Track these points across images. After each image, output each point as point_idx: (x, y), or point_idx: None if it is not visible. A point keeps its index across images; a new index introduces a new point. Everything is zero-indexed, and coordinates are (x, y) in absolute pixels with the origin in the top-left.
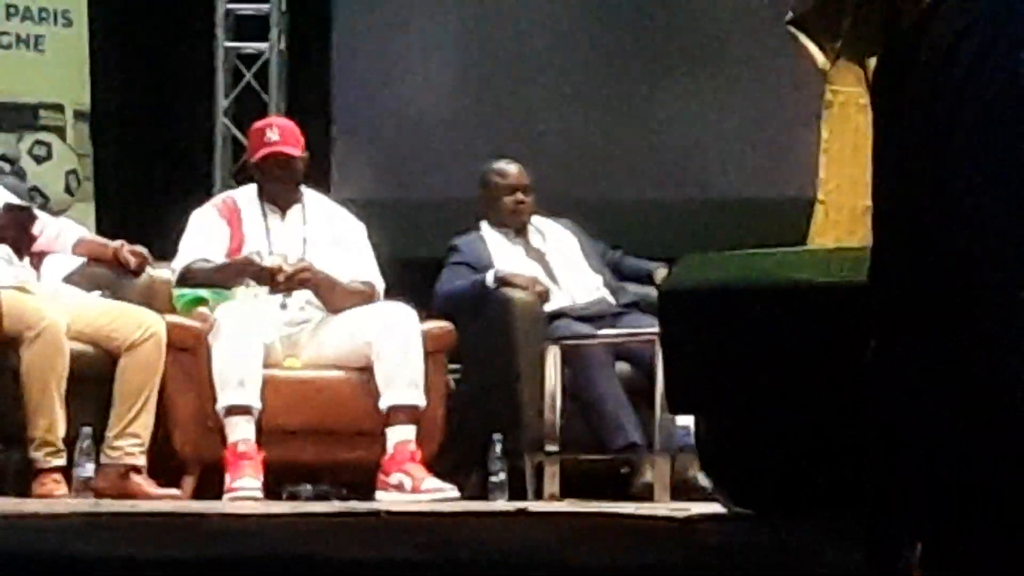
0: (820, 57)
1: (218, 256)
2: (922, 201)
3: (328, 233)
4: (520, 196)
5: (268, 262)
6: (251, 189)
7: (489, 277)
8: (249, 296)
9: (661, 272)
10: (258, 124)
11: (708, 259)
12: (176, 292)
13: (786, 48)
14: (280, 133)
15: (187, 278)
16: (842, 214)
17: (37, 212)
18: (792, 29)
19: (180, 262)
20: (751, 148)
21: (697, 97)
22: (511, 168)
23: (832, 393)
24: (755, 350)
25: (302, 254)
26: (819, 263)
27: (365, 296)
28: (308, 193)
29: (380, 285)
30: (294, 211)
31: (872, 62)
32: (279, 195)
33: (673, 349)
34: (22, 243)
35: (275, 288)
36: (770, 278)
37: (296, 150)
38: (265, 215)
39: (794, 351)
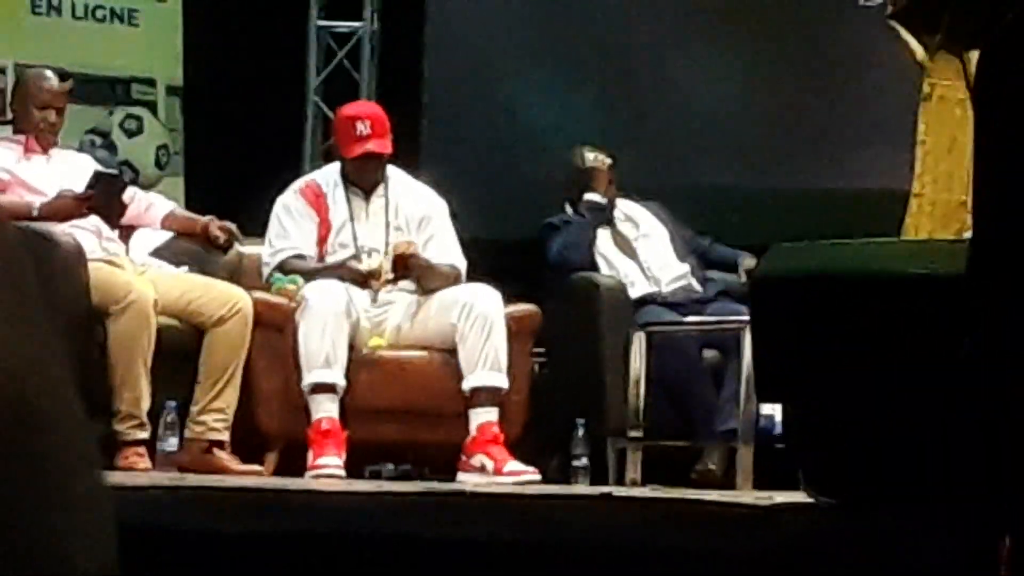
0: (919, 50)
1: (308, 246)
2: None
3: (412, 215)
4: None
5: (365, 266)
6: (332, 171)
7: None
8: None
9: (749, 261)
10: (346, 112)
11: (800, 247)
12: (272, 277)
13: (884, 39)
14: (371, 126)
15: (283, 272)
16: (936, 208)
17: (127, 183)
18: (892, 22)
19: (273, 256)
20: (845, 138)
21: (791, 86)
22: (599, 155)
23: (922, 384)
24: (845, 339)
25: (386, 240)
26: (912, 253)
27: (451, 278)
28: (391, 171)
29: (463, 265)
30: (378, 192)
31: (972, 55)
32: (366, 181)
33: (762, 337)
34: (112, 212)
35: (374, 288)
36: (863, 267)
37: (388, 143)
38: (349, 200)
39: (885, 341)
